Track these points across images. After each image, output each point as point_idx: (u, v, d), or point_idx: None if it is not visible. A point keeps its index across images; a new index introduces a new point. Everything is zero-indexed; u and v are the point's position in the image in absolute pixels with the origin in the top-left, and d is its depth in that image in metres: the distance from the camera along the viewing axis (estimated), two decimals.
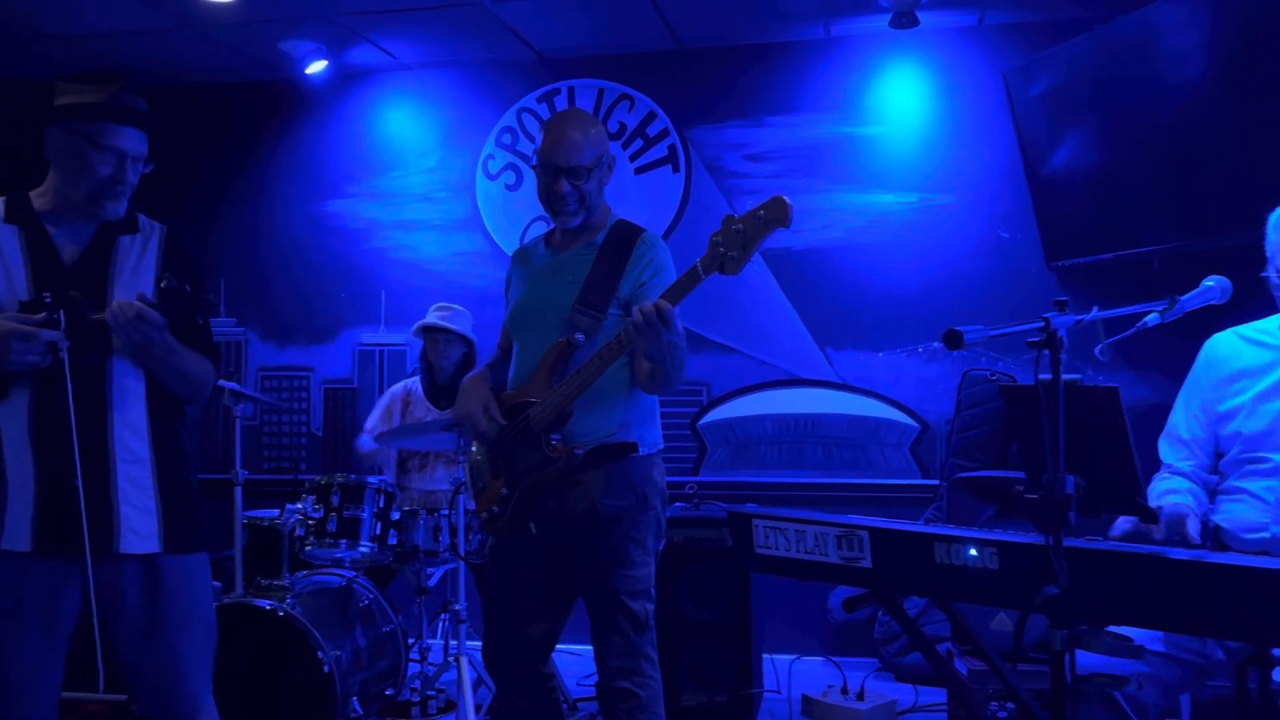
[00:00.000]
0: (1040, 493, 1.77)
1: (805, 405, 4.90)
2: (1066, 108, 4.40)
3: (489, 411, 2.49)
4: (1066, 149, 4.45)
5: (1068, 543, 1.77)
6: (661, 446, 2.57)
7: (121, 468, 2.15)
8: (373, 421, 4.32)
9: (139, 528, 2.16)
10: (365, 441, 4.27)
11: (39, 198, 2.24)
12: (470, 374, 2.64)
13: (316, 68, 5.09)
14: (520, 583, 2.50)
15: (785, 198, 2.12)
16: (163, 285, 2.08)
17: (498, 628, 2.53)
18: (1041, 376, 1.78)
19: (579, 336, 2.42)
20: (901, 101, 4.92)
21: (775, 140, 5.00)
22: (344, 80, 5.35)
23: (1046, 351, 1.79)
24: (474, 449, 2.65)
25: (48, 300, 2.10)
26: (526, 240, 2.88)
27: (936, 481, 4.70)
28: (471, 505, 4.07)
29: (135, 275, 2.23)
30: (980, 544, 1.92)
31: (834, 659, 4.21)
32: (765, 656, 3.94)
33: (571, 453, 2.38)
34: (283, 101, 5.43)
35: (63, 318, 2.07)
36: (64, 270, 2.18)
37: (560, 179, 2.44)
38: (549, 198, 2.49)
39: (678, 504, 4.08)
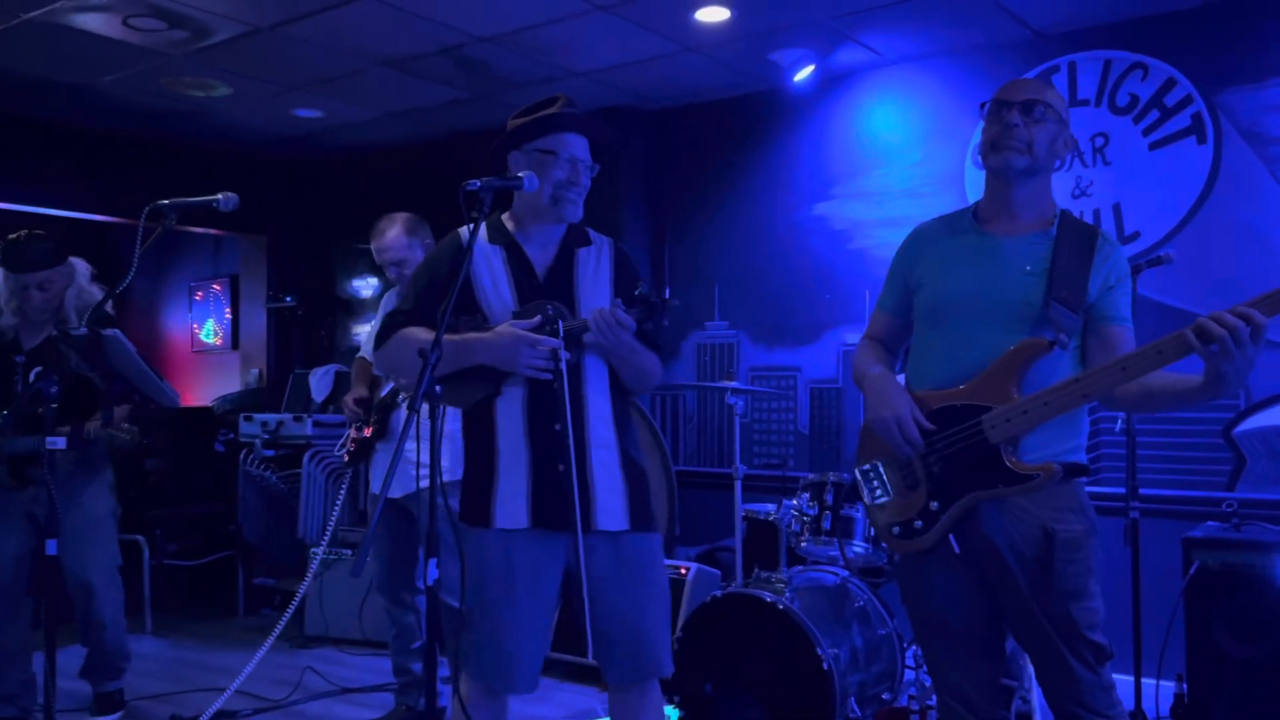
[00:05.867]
0: None
1: None
2: None
3: (916, 417, 2.25)
4: None
5: None
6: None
7: (595, 453, 2.38)
8: None
9: (610, 507, 2.37)
10: None
11: (508, 220, 2.51)
12: (873, 370, 2.39)
13: (804, 74, 5.19)
14: (960, 613, 2.29)
15: None
16: (638, 294, 2.27)
17: (948, 666, 2.32)
18: None
19: (1064, 338, 2.17)
20: None
21: None
22: (826, 84, 5.41)
23: None
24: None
25: (549, 312, 2.37)
26: (930, 220, 2.51)
27: None
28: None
29: (595, 283, 2.46)
30: None
31: None
32: None
33: (1052, 470, 2.14)
34: (768, 112, 5.62)
35: (561, 328, 2.32)
36: (539, 283, 2.44)
37: (1012, 110, 2.25)
38: (998, 133, 2.26)
39: (1210, 523, 3.60)
